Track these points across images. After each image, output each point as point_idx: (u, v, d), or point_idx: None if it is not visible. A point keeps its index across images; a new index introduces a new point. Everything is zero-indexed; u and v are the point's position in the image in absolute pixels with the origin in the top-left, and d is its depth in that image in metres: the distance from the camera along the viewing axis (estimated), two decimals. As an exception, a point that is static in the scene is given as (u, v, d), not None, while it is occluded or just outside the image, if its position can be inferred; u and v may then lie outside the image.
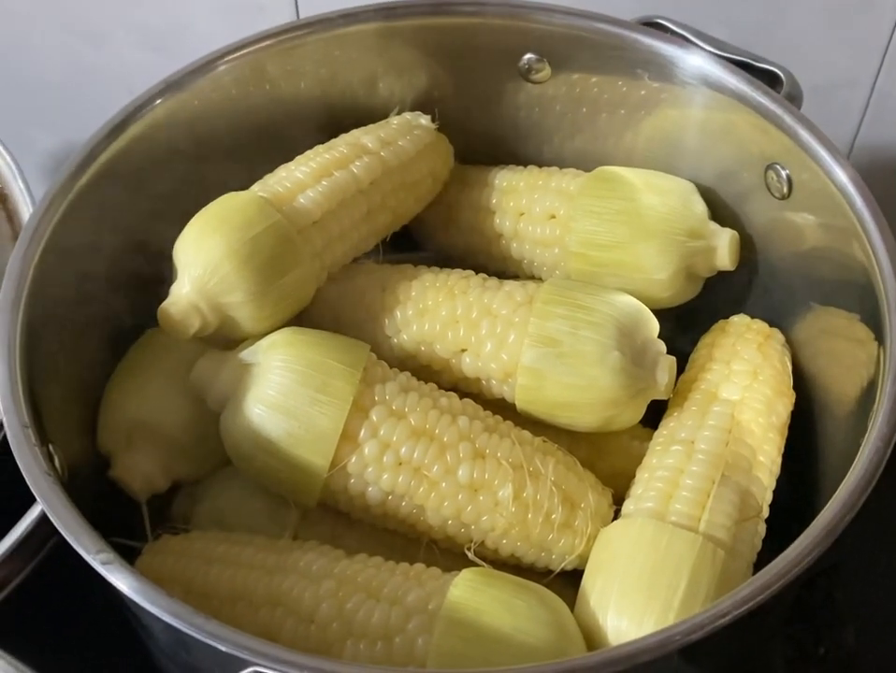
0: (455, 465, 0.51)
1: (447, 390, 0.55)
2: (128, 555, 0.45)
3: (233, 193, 0.56)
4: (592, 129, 0.64)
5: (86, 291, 0.56)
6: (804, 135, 0.54)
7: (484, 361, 0.56)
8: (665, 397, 0.56)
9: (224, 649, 0.39)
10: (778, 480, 0.54)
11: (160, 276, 0.55)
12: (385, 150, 0.60)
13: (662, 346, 0.56)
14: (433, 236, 0.68)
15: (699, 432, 0.53)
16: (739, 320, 0.60)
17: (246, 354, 0.53)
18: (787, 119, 0.55)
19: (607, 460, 0.58)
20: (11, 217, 0.62)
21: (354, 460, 0.51)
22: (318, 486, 0.51)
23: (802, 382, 0.57)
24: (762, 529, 0.52)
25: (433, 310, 0.57)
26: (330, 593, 0.47)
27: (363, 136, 0.61)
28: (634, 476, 0.54)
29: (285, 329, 0.54)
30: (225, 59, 0.59)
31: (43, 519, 0.47)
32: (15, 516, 0.48)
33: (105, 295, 0.57)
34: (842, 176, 0.52)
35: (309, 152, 0.59)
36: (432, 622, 0.45)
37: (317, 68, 0.62)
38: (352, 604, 0.47)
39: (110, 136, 0.56)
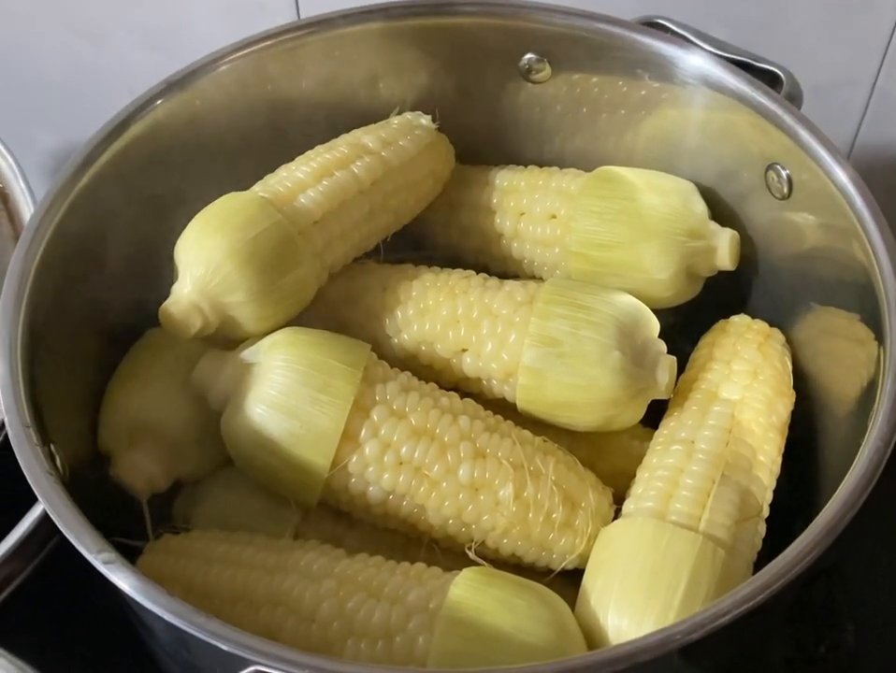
0: (456, 465, 0.51)
1: (448, 390, 0.55)
2: (129, 555, 0.45)
3: (234, 193, 0.56)
4: (592, 129, 0.64)
5: (88, 290, 0.56)
6: (804, 135, 0.54)
7: (484, 361, 0.56)
8: (665, 397, 0.56)
9: (225, 648, 0.39)
10: (778, 480, 0.54)
11: (161, 276, 0.55)
12: (386, 150, 0.60)
13: (663, 346, 0.56)
14: (434, 236, 0.68)
15: (699, 431, 0.53)
16: (739, 319, 0.60)
17: (247, 354, 0.53)
18: (788, 119, 0.55)
19: (607, 459, 0.58)
20: (12, 217, 0.62)
21: (354, 459, 0.51)
22: (319, 486, 0.51)
23: (802, 382, 0.57)
24: (762, 529, 0.52)
25: (434, 310, 0.57)
26: (331, 592, 0.47)
27: (364, 136, 0.61)
28: (634, 475, 0.54)
29: (286, 329, 0.54)
30: (226, 59, 0.59)
31: (45, 518, 0.47)
32: (16, 516, 0.48)
33: (106, 295, 0.57)
34: (842, 176, 0.52)
35: (310, 152, 0.59)
36: (433, 621, 0.45)
37: (318, 68, 0.62)
38: (352, 603, 0.47)
39: (111, 136, 0.56)
